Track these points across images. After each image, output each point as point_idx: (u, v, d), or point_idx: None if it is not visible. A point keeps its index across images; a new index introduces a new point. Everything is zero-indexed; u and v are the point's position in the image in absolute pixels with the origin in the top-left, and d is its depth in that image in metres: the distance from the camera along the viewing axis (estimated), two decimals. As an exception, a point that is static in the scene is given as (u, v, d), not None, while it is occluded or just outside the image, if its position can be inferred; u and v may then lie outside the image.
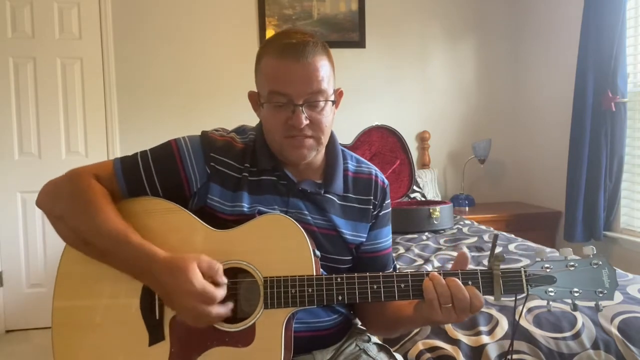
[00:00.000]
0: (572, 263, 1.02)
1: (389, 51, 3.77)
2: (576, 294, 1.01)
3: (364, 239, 1.21)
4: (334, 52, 1.13)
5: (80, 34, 3.31)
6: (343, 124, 3.50)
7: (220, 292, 0.99)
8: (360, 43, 3.69)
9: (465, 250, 1.94)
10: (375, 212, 1.22)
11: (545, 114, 3.64)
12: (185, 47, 3.54)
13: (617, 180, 2.92)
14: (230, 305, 1.01)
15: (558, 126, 3.39)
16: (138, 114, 3.51)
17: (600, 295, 1.01)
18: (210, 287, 0.97)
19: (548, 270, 1.02)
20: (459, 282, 1.00)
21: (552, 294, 1.02)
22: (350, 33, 3.68)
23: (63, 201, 1.07)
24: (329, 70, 1.10)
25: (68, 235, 1.08)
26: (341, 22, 3.66)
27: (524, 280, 1.01)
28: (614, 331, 1.51)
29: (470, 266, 1.08)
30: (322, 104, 1.08)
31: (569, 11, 3.30)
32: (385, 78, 3.78)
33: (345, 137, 3.20)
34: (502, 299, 1.02)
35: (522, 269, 1.02)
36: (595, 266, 1.02)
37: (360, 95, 3.71)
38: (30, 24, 3.23)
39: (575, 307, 1.02)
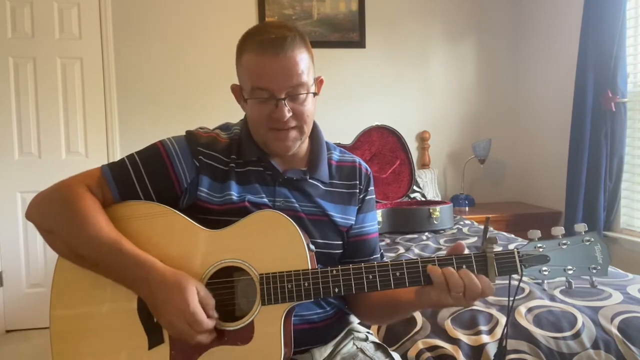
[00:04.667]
0: (564, 241, 1.03)
1: (389, 51, 3.77)
2: (570, 272, 1.02)
3: (354, 222, 1.23)
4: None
5: (80, 34, 3.31)
6: (343, 124, 3.53)
7: (210, 323, 0.99)
8: (360, 43, 3.68)
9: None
10: (361, 196, 1.25)
11: (545, 114, 3.64)
12: (185, 47, 3.54)
13: (617, 180, 2.92)
14: (213, 334, 1.01)
15: (558, 126, 3.40)
16: (138, 114, 3.51)
17: (594, 271, 1.02)
18: (202, 314, 0.98)
19: (541, 249, 1.03)
20: (472, 275, 0.99)
21: (546, 273, 1.02)
22: (350, 33, 3.67)
23: (53, 214, 1.07)
24: (308, 61, 1.12)
25: (60, 248, 1.08)
26: (341, 22, 3.65)
27: (517, 261, 1.02)
28: (614, 331, 1.50)
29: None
30: (303, 96, 1.11)
31: (569, 11, 3.30)
32: (385, 78, 3.77)
33: (345, 137, 3.20)
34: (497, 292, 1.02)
35: (516, 249, 1.03)
36: (587, 243, 1.03)
37: (360, 95, 3.71)
38: (30, 24, 3.23)
39: (570, 285, 1.03)
